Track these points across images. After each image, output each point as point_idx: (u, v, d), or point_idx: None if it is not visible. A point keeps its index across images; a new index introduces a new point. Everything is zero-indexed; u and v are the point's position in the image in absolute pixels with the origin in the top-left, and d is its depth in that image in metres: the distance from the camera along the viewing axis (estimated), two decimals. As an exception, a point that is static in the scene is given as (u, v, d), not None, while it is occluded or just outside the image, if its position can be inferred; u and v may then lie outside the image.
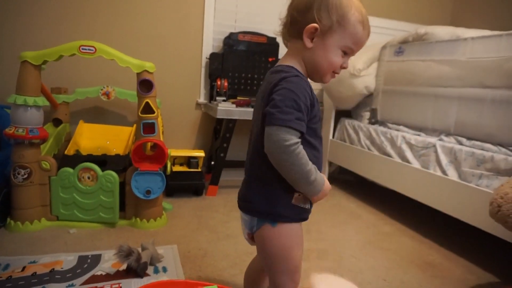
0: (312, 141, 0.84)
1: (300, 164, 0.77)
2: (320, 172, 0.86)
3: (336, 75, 0.87)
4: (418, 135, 2.01)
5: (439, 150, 1.80)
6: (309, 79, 0.86)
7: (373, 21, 3.11)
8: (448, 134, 1.84)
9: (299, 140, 0.78)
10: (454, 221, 1.70)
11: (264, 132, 0.78)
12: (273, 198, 0.84)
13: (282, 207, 0.84)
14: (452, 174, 1.71)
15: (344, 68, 0.85)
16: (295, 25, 0.82)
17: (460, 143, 1.74)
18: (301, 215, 0.88)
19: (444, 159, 1.77)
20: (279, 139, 0.75)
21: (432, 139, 1.89)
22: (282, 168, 0.79)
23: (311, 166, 0.80)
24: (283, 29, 0.88)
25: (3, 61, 2.18)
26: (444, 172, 1.76)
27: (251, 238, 0.92)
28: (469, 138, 1.71)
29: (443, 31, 1.95)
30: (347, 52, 0.83)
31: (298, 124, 0.76)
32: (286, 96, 0.76)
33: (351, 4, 0.80)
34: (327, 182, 0.85)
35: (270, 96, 0.79)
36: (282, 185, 0.82)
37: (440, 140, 1.86)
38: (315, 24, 0.79)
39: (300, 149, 0.77)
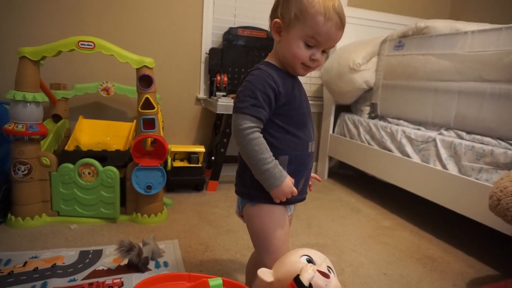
0: (289, 128, 0.89)
1: (252, 150, 0.83)
2: (308, 163, 0.93)
3: (310, 68, 0.89)
4: (418, 129, 2.01)
5: (439, 144, 1.80)
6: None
7: (373, 15, 3.09)
8: (448, 128, 1.84)
9: (255, 125, 0.83)
10: (454, 215, 1.70)
11: None
12: (248, 180, 0.90)
13: (256, 189, 0.89)
14: (452, 168, 1.72)
15: (315, 60, 0.86)
16: (271, 20, 0.90)
17: (460, 137, 1.74)
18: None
19: (444, 153, 1.77)
20: (235, 124, 0.84)
21: (432, 133, 1.89)
22: (241, 152, 0.87)
23: (266, 155, 0.83)
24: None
25: (1, 57, 2.17)
26: (444, 166, 1.76)
27: (240, 216, 1.00)
28: (468, 132, 1.71)
29: (443, 25, 1.95)
30: (311, 44, 0.84)
31: (253, 110, 0.82)
32: (245, 87, 0.85)
33: None
34: (288, 183, 0.86)
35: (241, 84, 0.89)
36: None
37: (440, 134, 1.86)
38: (277, 19, 0.86)
39: (255, 135, 0.83)
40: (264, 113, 0.84)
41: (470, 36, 1.71)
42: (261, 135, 0.84)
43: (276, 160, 0.85)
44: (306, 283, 0.67)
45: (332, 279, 0.74)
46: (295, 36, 0.84)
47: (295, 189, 0.87)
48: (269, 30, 0.94)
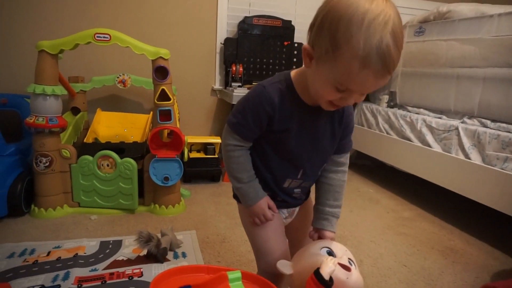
0: (269, 150, 0.81)
1: (230, 167, 0.82)
2: (282, 185, 0.84)
3: (339, 106, 0.71)
4: (439, 118, 1.95)
5: (462, 133, 1.74)
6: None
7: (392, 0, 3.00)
8: (471, 116, 1.78)
9: (239, 144, 0.80)
10: (477, 205, 1.65)
11: None
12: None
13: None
14: (476, 158, 1.66)
15: (347, 104, 0.70)
16: (304, 44, 0.71)
17: (484, 126, 1.68)
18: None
19: (467, 142, 1.71)
20: (223, 137, 0.83)
21: (454, 122, 1.83)
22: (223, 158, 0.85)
23: (243, 175, 0.81)
24: None
25: (21, 51, 2.21)
26: (467, 155, 1.70)
27: None
28: (493, 120, 1.65)
29: (467, 8, 1.87)
30: (342, 90, 0.65)
31: (240, 129, 0.79)
32: (241, 101, 0.79)
33: (361, 31, 0.58)
34: (260, 206, 0.82)
35: None
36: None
37: (463, 122, 1.80)
38: (307, 46, 0.68)
39: (236, 153, 0.81)
40: (251, 135, 0.80)
41: (496, 19, 1.64)
42: (244, 153, 0.82)
43: (254, 181, 0.82)
44: (326, 277, 0.65)
45: (353, 272, 0.72)
46: (323, 75, 0.66)
47: (267, 213, 0.83)
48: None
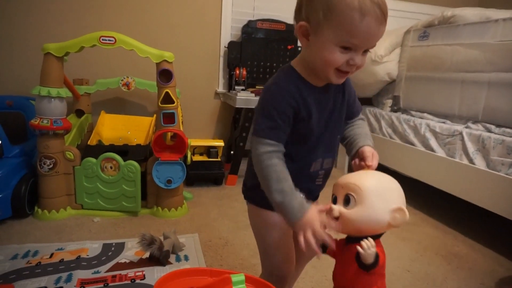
0: (289, 143, 0.78)
1: (268, 180, 0.73)
2: (308, 180, 0.82)
3: (347, 74, 0.74)
4: (443, 122, 1.95)
5: (466, 138, 1.73)
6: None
7: (396, 5, 3.01)
8: (475, 121, 1.77)
9: (273, 149, 0.74)
10: (481, 211, 1.64)
11: None
12: (248, 178, 0.89)
13: (251, 189, 0.87)
14: (480, 163, 1.65)
15: (353, 65, 0.71)
16: (295, 23, 0.74)
17: (489, 130, 1.67)
18: (270, 204, 0.79)
19: (471, 147, 1.70)
20: (253, 149, 0.76)
21: (458, 127, 1.82)
22: (259, 178, 0.76)
23: (284, 185, 0.72)
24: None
25: (27, 54, 2.23)
26: (471, 160, 1.69)
27: None
28: (498, 125, 1.64)
29: (472, 13, 1.87)
30: (348, 47, 0.68)
31: (270, 133, 0.74)
32: (262, 107, 0.76)
33: None
34: (310, 218, 0.70)
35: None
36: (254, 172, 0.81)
37: (467, 127, 1.79)
38: (302, 22, 0.70)
39: (273, 161, 0.73)
40: (283, 135, 0.75)
41: (501, 24, 1.63)
42: (281, 160, 0.74)
43: (296, 190, 0.73)
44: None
45: (344, 214, 0.71)
46: (326, 40, 0.68)
47: (318, 229, 0.70)
48: (295, 34, 0.76)
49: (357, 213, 0.70)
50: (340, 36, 0.67)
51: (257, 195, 0.84)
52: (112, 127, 2.16)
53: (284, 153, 0.77)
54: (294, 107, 0.75)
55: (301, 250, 0.75)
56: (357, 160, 0.83)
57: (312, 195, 0.88)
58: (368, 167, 0.79)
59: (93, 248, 1.41)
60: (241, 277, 0.65)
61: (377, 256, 0.68)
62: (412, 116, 2.18)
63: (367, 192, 0.70)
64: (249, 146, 2.52)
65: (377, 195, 0.71)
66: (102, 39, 1.61)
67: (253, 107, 2.21)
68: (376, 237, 0.73)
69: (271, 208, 0.80)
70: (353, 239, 0.73)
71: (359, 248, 0.68)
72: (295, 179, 0.76)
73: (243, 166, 2.40)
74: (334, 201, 0.76)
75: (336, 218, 0.72)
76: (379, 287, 0.73)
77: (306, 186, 0.81)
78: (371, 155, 0.81)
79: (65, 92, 1.67)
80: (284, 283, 0.87)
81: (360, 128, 0.89)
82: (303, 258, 0.99)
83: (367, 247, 0.67)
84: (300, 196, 0.73)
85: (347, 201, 0.72)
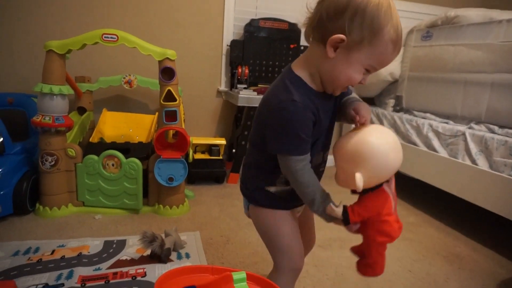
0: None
1: (307, 191, 0.79)
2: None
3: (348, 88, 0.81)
4: (446, 123, 1.94)
5: (469, 139, 1.73)
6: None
7: (399, 5, 3.01)
8: (478, 122, 1.77)
9: (305, 163, 0.77)
10: (483, 212, 1.63)
11: (278, 157, 0.79)
12: (249, 182, 0.90)
13: (256, 192, 0.88)
14: (483, 164, 1.65)
15: (362, 84, 0.76)
16: (321, 28, 0.72)
17: (492, 131, 1.67)
18: (277, 204, 0.88)
19: (474, 148, 1.70)
20: (285, 166, 0.78)
21: (461, 127, 1.82)
22: (293, 184, 0.81)
23: (318, 196, 0.78)
24: (307, 27, 0.77)
25: (29, 51, 2.23)
26: (473, 161, 1.69)
27: (249, 216, 0.97)
28: (501, 126, 1.63)
29: (475, 14, 1.86)
30: (370, 70, 0.74)
31: (300, 150, 0.76)
32: (280, 124, 0.75)
33: (388, 19, 0.68)
34: (336, 213, 0.77)
35: (269, 114, 0.77)
36: (261, 174, 0.87)
37: (470, 128, 1.78)
38: (342, 36, 0.69)
39: (307, 173, 0.78)
40: (309, 146, 0.78)
41: (505, 25, 1.62)
42: (311, 169, 0.79)
43: (327, 194, 0.80)
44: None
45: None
46: (357, 60, 0.71)
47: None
48: (309, 30, 0.76)
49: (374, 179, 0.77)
50: (371, 60, 0.71)
51: (262, 196, 0.87)
52: (114, 125, 2.16)
53: None
54: (313, 120, 0.77)
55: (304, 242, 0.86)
56: (352, 112, 0.84)
57: None
58: (362, 123, 0.81)
59: (94, 245, 1.42)
60: (243, 274, 0.65)
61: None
62: (415, 116, 2.18)
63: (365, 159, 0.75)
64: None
65: (375, 158, 0.75)
66: (105, 37, 1.61)
67: (255, 105, 2.20)
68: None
69: (278, 207, 0.86)
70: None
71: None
72: None
73: (245, 165, 2.41)
74: None
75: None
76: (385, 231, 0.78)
77: None
78: (364, 108, 0.83)
79: (67, 89, 1.67)
80: (298, 276, 0.91)
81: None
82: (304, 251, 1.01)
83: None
84: (329, 197, 0.80)
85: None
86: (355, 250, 0.86)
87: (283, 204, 0.88)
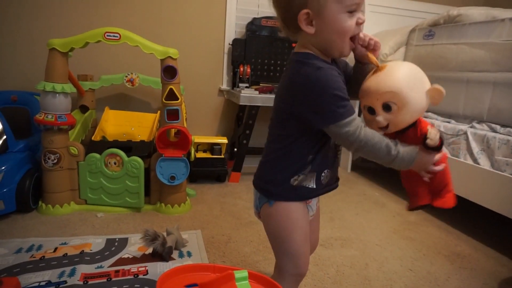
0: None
1: (375, 150, 0.75)
2: (329, 154, 0.85)
3: (356, 37, 0.78)
4: (448, 122, 1.94)
5: (471, 138, 1.72)
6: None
7: (401, 3, 2.98)
8: (480, 121, 1.76)
9: (357, 122, 0.74)
10: (484, 211, 1.63)
11: (329, 132, 0.77)
12: (268, 174, 0.87)
13: (276, 184, 0.85)
14: (484, 163, 1.64)
15: (362, 22, 0.76)
16: (288, 22, 0.77)
17: (494, 130, 1.66)
18: (301, 195, 0.85)
19: (475, 147, 1.70)
20: (343, 136, 0.74)
21: (463, 126, 1.81)
22: (365, 155, 0.78)
23: (390, 146, 0.75)
24: (283, 29, 0.82)
25: (32, 49, 2.23)
26: (475, 160, 1.69)
27: (259, 217, 0.95)
28: (503, 125, 1.63)
29: (478, 12, 1.85)
30: (354, 9, 0.73)
31: (346, 112, 0.73)
32: (320, 94, 0.73)
33: None
34: (421, 154, 0.76)
35: (300, 92, 0.76)
36: (289, 165, 0.83)
37: (472, 127, 1.78)
38: (304, 10, 0.73)
39: (365, 133, 0.74)
40: (351, 105, 0.76)
41: (508, 23, 1.62)
42: (367, 129, 0.76)
43: (396, 141, 0.77)
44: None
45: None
46: (334, 14, 0.72)
47: (435, 157, 0.77)
48: (285, 30, 0.80)
49: (405, 114, 0.76)
50: (344, 2, 0.71)
51: (286, 188, 0.84)
52: (116, 123, 2.17)
53: (316, 140, 0.81)
54: (342, 79, 0.77)
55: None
56: (363, 49, 0.82)
57: (333, 177, 0.91)
58: (374, 51, 0.81)
59: (96, 243, 1.42)
60: (244, 273, 0.65)
61: (441, 137, 0.76)
62: (416, 115, 2.17)
63: (406, 94, 0.74)
64: (253, 144, 2.51)
65: (414, 89, 0.75)
66: (107, 35, 1.62)
67: (257, 104, 2.20)
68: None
69: (299, 198, 0.84)
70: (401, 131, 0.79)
71: (429, 141, 0.75)
72: (326, 163, 0.85)
73: (246, 164, 2.41)
74: (371, 111, 0.79)
75: (386, 127, 0.78)
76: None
77: (326, 166, 0.85)
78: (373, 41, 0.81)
79: (69, 87, 1.67)
80: (301, 281, 0.91)
81: None
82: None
83: (434, 135, 0.75)
84: (402, 144, 0.77)
85: (387, 108, 0.76)
86: (419, 201, 0.87)
87: (310, 192, 0.85)
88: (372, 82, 0.77)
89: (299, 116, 0.78)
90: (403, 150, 0.76)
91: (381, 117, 0.77)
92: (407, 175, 0.86)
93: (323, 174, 0.85)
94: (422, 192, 0.86)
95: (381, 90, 0.75)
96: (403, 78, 0.76)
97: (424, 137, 0.75)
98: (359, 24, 0.75)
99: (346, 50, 0.77)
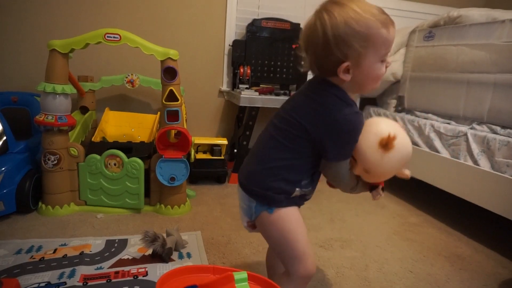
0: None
1: (346, 183, 0.91)
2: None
3: None
4: (448, 123, 1.94)
5: (471, 139, 1.72)
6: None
7: (401, 4, 2.98)
8: (480, 122, 1.76)
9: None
10: (485, 212, 1.63)
11: (329, 164, 0.86)
12: (268, 182, 0.86)
13: (278, 192, 0.86)
14: (484, 164, 1.64)
15: (388, 65, 0.83)
16: (323, 68, 0.82)
17: (494, 132, 1.66)
18: (298, 201, 0.92)
19: (475, 149, 1.69)
20: (337, 170, 0.86)
21: (463, 128, 1.81)
22: (338, 186, 0.93)
23: (347, 179, 0.89)
24: (314, 72, 0.87)
25: (32, 50, 2.24)
26: (475, 162, 1.68)
27: (251, 226, 0.95)
28: (504, 127, 1.63)
29: (478, 13, 1.85)
30: (384, 59, 0.81)
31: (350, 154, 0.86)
32: (349, 135, 0.82)
33: (360, 18, 0.75)
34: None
35: (334, 128, 0.81)
36: (292, 177, 0.87)
37: (472, 128, 1.78)
38: (345, 64, 0.78)
39: (347, 171, 0.88)
40: None
41: (508, 25, 1.62)
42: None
43: (358, 180, 0.93)
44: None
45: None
46: (371, 64, 0.79)
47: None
48: (316, 72, 0.86)
49: (376, 178, 0.92)
50: (380, 53, 0.78)
51: (285, 195, 0.87)
52: (116, 124, 2.17)
53: (314, 159, 0.87)
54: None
55: None
56: None
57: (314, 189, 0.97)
58: None
59: (96, 244, 1.42)
60: (244, 274, 0.65)
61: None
62: (417, 116, 2.18)
63: (378, 172, 0.88)
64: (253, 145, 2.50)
65: (387, 166, 0.86)
66: (107, 36, 1.62)
67: (257, 105, 2.21)
68: None
69: (295, 204, 0.90)
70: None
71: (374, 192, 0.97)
72: (315, 179, 0.92)
73: (246, 165, 2.41)
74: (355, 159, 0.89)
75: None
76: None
77: (315, 180, 0.93)
78: None
79: (70, 88, 1.67)
80: (309, 282, 0.92)
81: None
82: None
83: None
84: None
85: (366, 171, 0.88)
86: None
87: (298, 201, 0.91)
88: (362, 147, 0.84)
89: (315, 141, 0.83)
90: (359, 189, 0.93)
91: (358, 170, 0.88)
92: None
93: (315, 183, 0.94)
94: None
95: (362, 162, 0.85)
96: (374, 158, 0.83)
97: (372, 187, 0.95)
98: (386, 67, 0.83)
99: (375, 89, 0.86)
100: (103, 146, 1.84)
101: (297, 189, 0.87)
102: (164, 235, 1.37)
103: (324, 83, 0.84)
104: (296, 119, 0.84)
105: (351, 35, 0.75)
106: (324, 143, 0.82)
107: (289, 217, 0.87)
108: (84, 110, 2.14)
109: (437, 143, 1.93)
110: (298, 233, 0.87)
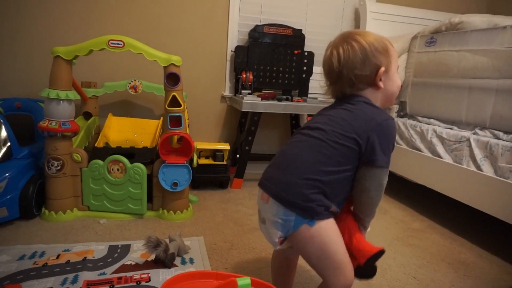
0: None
1: (379, 199, 0.95)
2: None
3: None
4: (450, 128, 1.94)
5: (473, 144, 1.72)
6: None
7: (403, 10, 2.98)
8: (483, 127, 1.76)
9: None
10: (488, 218, 1.63)
11: (366, 171, 0.89)
12: (310, 193, 0.84)
13: (320, 204, 0.86)
14: (487, 170, 1.64)
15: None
16: (360, 79, 0.93)
17: (497, 137, 1.66)
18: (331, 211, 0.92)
19: (478, 154, 1.69)
20: (381, 180, 0.90)
21: (466, 133, 1.81)
22: (375, 200, 0.94)
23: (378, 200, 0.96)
24: (349, 88, 0.95)
25: (36, 56, 2.25)
26: (478, 167, 1.68)
27: (281, 242, 0.92)
28: (506, 132, 1.63)
29: (480, 19, 1.86)
30: (397, 70, 0.98)
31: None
32: (390, 141, 0.90)
33: (378, 37, 0.94)
34: None
35: (374, 130, 0.88)
36: (333, 191, 0.88)
37: (474, 134, 1.78)
38: (382, 69, 0.92)
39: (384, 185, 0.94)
40: None
41: (509, 31, 1.62)
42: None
43: None
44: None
45: None
46: (394, 73, 0.96)
47: None
48: (351, 88, 0.95)
49: None
50: (395, 64, 0.96)
51: (326, 207, 0.87)
52: (119, 130, 2.18)
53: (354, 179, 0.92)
54: None
55: None
56: None
57: None
58: None
59: (99, 249, 1.42)
60: (247, 280, 0.65)
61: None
62: (419, 122, 2.18)
63: None
64: (255, 150, 2.51)
65: None
66: (111, 43, 1.63)
67: (260, 110, 2.21)
68: None
69: (333, 215, 0.90)
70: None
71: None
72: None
73: (249, 170, 2.42)
74: None
75: None
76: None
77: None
78: None
79: (73, 94, 1.69)
80: None
81: None
82: None
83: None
84: None
85: None
86: None
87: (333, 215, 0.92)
88: None
89: (363, 148, 0.87)
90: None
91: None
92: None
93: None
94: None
95: None
96: None
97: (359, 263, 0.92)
98: None
99: (393, 103, 1.04)
100: (106, 151, 1.84)
101: (333, 205, 0.89)
102: (167, 240, 1.38)
103: (357, 97, 0.94)
104: (342, 129, 0.89)
105: (380, 47, 0.92)
106: (374, 146, 0.87)
107: (330, 228, 0.88)
108: (87, 115, 2.15)
109: (440, 148, 1.93)
110: (338, 244, 0.88)
